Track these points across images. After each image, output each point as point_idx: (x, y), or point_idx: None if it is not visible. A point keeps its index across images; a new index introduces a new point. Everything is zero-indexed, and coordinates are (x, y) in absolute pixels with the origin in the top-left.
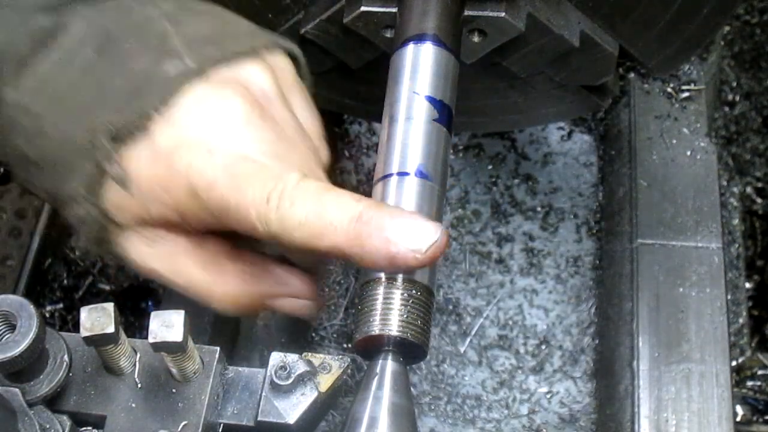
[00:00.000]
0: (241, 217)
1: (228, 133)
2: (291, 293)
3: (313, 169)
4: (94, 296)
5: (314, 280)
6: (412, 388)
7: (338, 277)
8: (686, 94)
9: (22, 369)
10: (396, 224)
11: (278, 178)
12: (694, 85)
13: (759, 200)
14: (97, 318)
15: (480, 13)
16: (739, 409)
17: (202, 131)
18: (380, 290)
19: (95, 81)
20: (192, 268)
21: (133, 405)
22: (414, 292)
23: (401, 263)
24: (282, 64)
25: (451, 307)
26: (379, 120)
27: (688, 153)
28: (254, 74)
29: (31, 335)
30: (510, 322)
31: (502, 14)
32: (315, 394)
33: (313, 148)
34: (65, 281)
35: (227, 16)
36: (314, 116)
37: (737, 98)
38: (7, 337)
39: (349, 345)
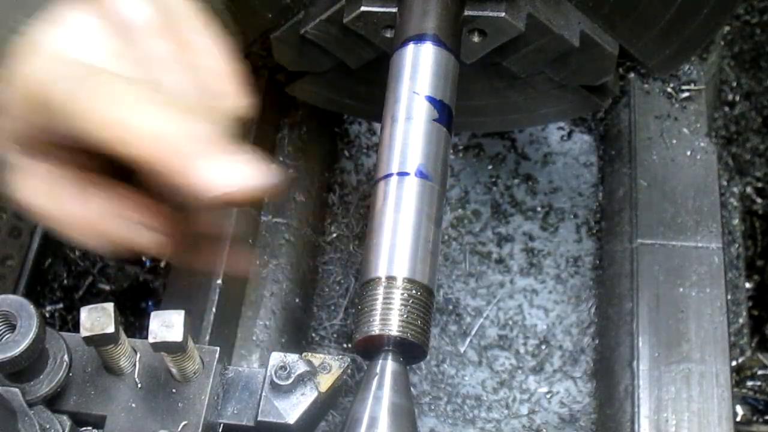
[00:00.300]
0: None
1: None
2: (143, 222)
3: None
4: (94, 296)
5: (178, 217)
6: (412, 388)
7: (338, 277)
8: (686, 94)
9: (22, 369)
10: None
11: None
12: (694, 85)
13: (759, 200)
14: (97, 318)
15: (480, 13)
16: (739, 409)
17: (59, 47)
18: (380, 290)
19: None
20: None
21: (133, 405)
22: (414, 292)
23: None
24: None
25: (451, 307)
26: (379, 120)
27: (688, 153)
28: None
29: (31, 335)
30: (510, 322)
31: (502, 14)
32: (315, 394)
33: (201, 85)
34: (65, 281)
35: None
36: (214, 53)
37: (737, 98)
38: (7, 337)
39: (349, 345)
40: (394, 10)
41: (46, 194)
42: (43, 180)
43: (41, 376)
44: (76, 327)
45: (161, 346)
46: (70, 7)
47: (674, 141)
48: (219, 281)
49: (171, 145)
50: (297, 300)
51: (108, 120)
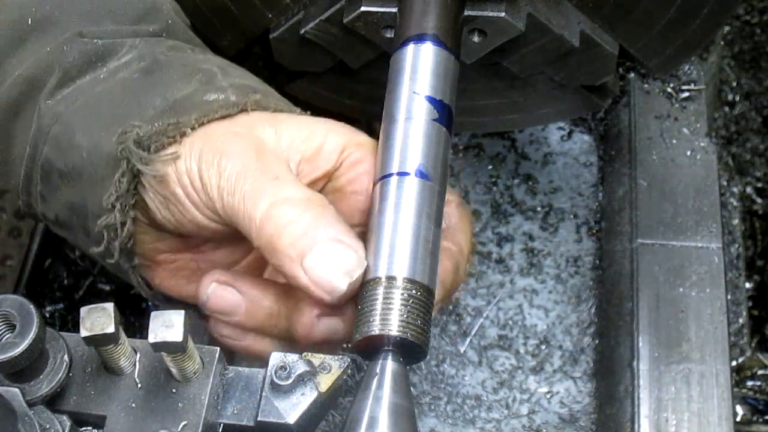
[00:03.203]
0: (242, 222)
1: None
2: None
3: None
4: (94, 296)
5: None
6: (412, 388)
7: None
8: (686, 94)
9: (22, 369)
10: (321, 247)
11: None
12: (694, 85)
13: (759, 200)
14: (97, 318)
15: (480, 13)
16: (739, 409)
17: (252, 134)
18: (380, 290)
19: (133, 97)
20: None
21: (133, 405)
22: (414, 292)
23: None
24: None
25: (451, 307)
26: (379, 120)
27: (688, 153)
28: (285, 137)
29: (31, 335)
30: (510, 322)
31: (502, 14)
32: (315, 394)
33: None
34: (65, 281)
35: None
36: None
37: (737, 98)
38: (7, 337)
39: (349, 345)
40: (394, 10)
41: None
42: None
43: (41, 376)
44: (76, 327)
45: (161, 346)
46: (240, 125)
47: (674, 141)
48: None
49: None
50: None
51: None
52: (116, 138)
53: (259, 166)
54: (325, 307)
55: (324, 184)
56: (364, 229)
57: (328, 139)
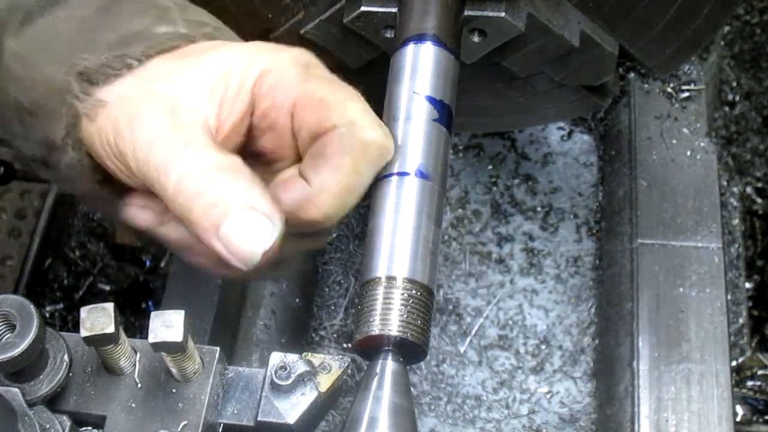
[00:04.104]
0: (159, 192)
1: (190, 104)
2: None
3: None
4: (94, 296)
5: None
6: (412, 388)
7: (338, 277)
8: (686, 94)
9: (22, 369)
10: (234, 215)
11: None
12: (694, 85)
13: (759, 200)
14: (97, 318)
15: (480, 13)
16: (739, 409)
17: (168, 91)
18: (380, 290)
19: (88, 32)
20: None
21: (133, 405)
22: (414, 292)
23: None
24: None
25: (451, 307)
26: None
27: (688, 153)
28: (239, 62)
29: (31, 335)
30: (510, 322)
31: (502, 14)
32: (315, 394)
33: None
34: (65, 281)
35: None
36: None
37: (737, 98)
38: (7, 337)
39: (349, 345)
40: (394, 10)
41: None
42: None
43: (41, 376)
44: (76, 327)
45: (161, 346)
46: (190, 54)
47: (674, 141)
48: (219, 281)
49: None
50: (297, 300)
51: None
52: (65, 70)
53: (170, 133)
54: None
55: (248, 124)
56: (299, 165)
57: (245, 73)
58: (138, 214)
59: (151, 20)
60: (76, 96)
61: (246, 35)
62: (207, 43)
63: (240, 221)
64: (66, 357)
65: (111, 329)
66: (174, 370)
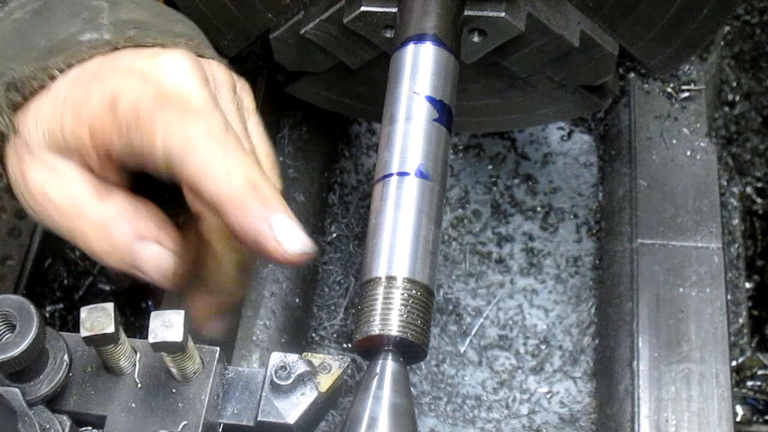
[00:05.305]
0: (146, 140)
1: None
2: (156, 236)
3: None
4: (94, 296)
5: (188, 242)
6: (412, 388)
7: (338, 277)
8: (686, 94)
9: (22, 369)
10: (286, 213)
11: (200, 117)
12: (694, 85)
13: (759, 200)
14: (97, 318)
15: (480, 13)
16: (739, 409)
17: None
18: (380, 290)
19: (21, 38)
20: (81, 198)
21: (133, 405)
22: (414, 292)
23: (265, 249)
24: (218, 73)
25: (451, 307)
26: (379, 120)
27: (688, 153)
28: (171, 68)
29: (31, 335)
30: (510, 322)
31: (502, 14)
32: (315, 394)
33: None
34: (65, 281)
35: (173, 15)
36: (260, 136)
37: (737, 98)
38: (7, 337)
39: (349, 345)
40: (394, 10)
41: (65, 189)
42: (67, 176)
43: (41, 376)
44: (76, 327)
45: (161, 346)
46: (111, 62)
47: (674, 141)
48: None
49: (257, 189)
50: (297, 300)
51: (203, 161)
52: None
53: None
54: None
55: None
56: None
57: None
58: None
59: (79, 26)
60: (3, 110)
61: (246, 35)
62: (133, 52)
63: None
64: (66, 357)
65: (111, 329)
66: (174, 370)
